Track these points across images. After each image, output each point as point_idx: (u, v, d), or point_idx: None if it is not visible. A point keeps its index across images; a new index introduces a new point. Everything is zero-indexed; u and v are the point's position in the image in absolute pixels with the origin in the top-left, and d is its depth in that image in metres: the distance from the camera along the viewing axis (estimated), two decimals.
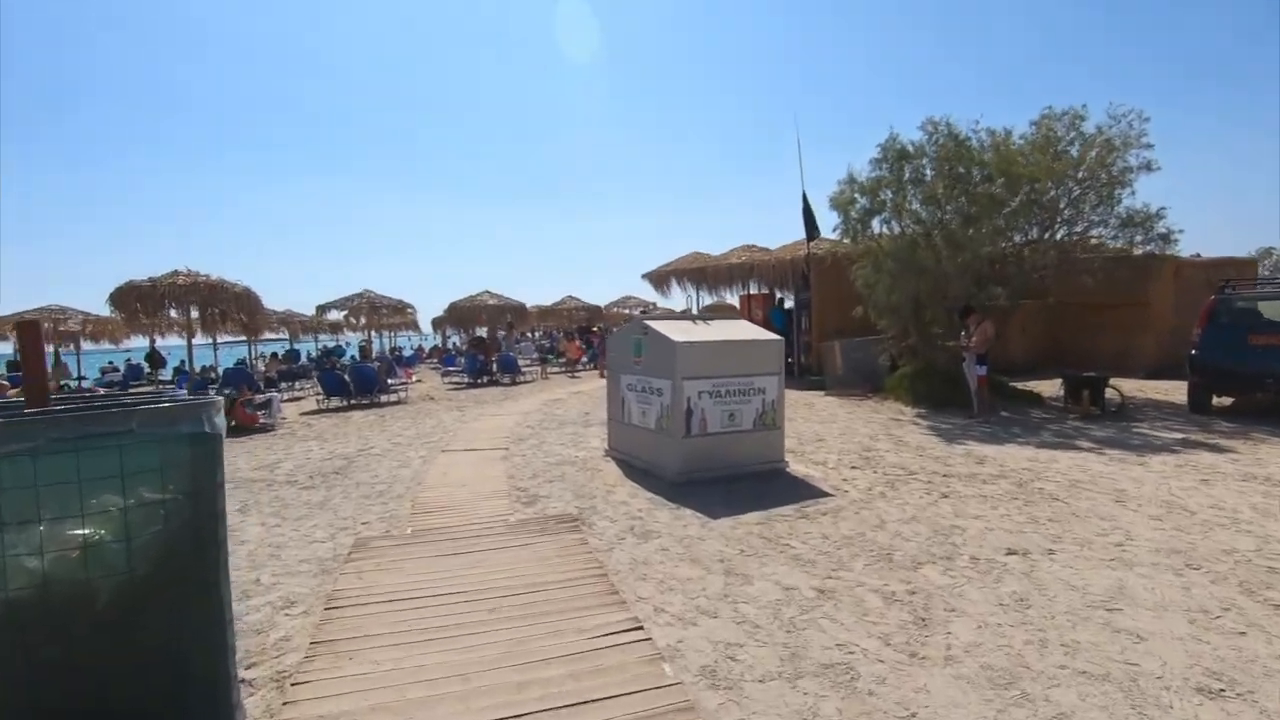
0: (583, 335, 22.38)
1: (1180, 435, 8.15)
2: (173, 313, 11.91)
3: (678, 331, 6.57)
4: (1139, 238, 10.84)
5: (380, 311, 17.44)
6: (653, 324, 6.80)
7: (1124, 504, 5.41)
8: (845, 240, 11.86)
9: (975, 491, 5.90)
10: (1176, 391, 11.52)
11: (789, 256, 15.40)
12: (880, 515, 5.28)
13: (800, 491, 6.06)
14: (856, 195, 10.91)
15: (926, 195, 10.47)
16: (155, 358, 18.81)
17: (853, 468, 6.95)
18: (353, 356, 34.80)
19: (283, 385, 19.12)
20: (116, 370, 24.60)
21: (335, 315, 18.15)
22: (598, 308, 23.62)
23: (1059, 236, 11.05)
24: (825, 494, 5.95)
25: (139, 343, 21.36)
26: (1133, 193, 10.60)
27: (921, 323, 10.98)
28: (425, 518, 5.59)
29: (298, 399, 17.33)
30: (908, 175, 10.68)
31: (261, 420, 11.78)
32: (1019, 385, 11.56)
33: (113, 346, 21.08)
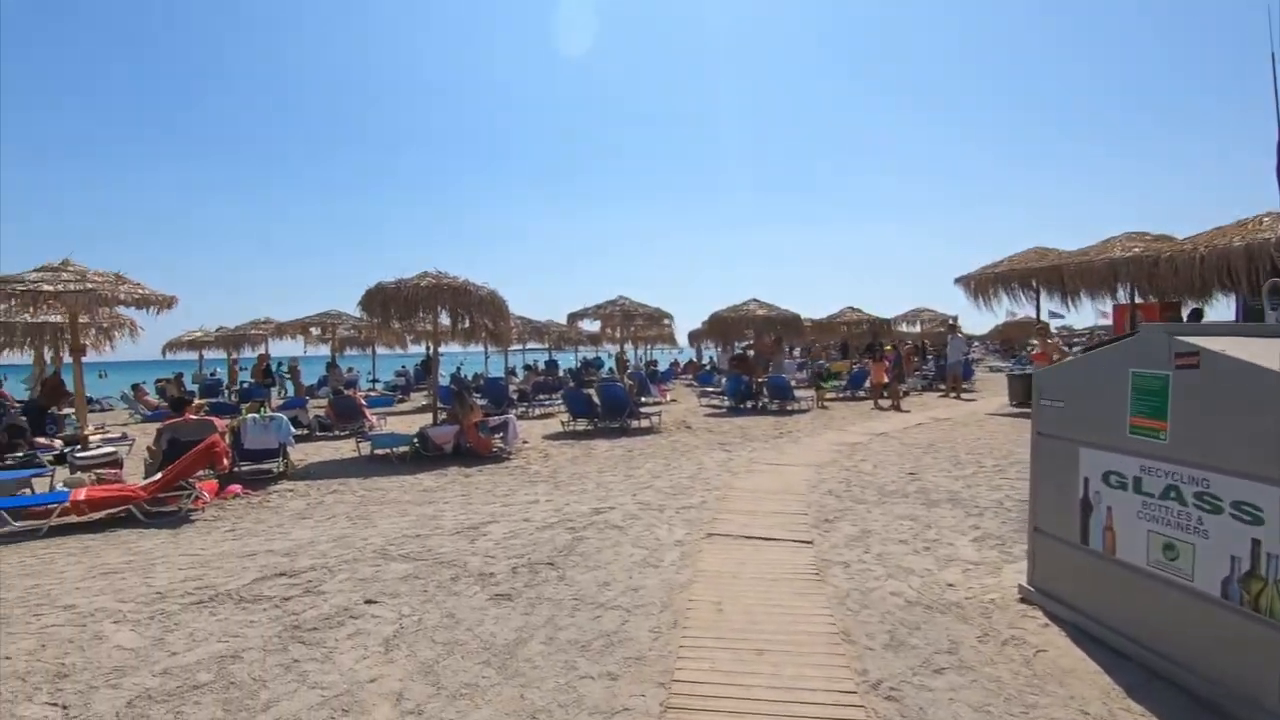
0: (871, 354, 18.16)
1: None
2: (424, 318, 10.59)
3: None
4: None
5: (635, 321, 15.34)
6: (1213, 344, 2.90)
7: None
8: None
9: None
10: None
11: (1239, 241, 9.78)
12: None
13: None
14: None
15: None
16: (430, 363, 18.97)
17: None
18: (610, 369, 34.58)
19: (540, 399, 18.20)
20: (406, 373, 26.48)
21: (588, 326, 16.54)
22: (884, 321, 19.19)
23: None
24: None
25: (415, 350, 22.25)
26: None
27: None
28: None
29: (549, 415, 15.99)
30: None
31: (496, 447, 10.00)
32: None
33: (390, 351, 22.17)
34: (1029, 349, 37.66)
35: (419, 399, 21.40)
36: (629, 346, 30.97)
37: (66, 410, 11.66)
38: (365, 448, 10.28)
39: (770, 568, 4.61)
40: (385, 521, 6.27)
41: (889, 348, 16.23)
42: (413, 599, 4.18)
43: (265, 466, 8.59)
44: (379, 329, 11.92)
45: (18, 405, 14.52)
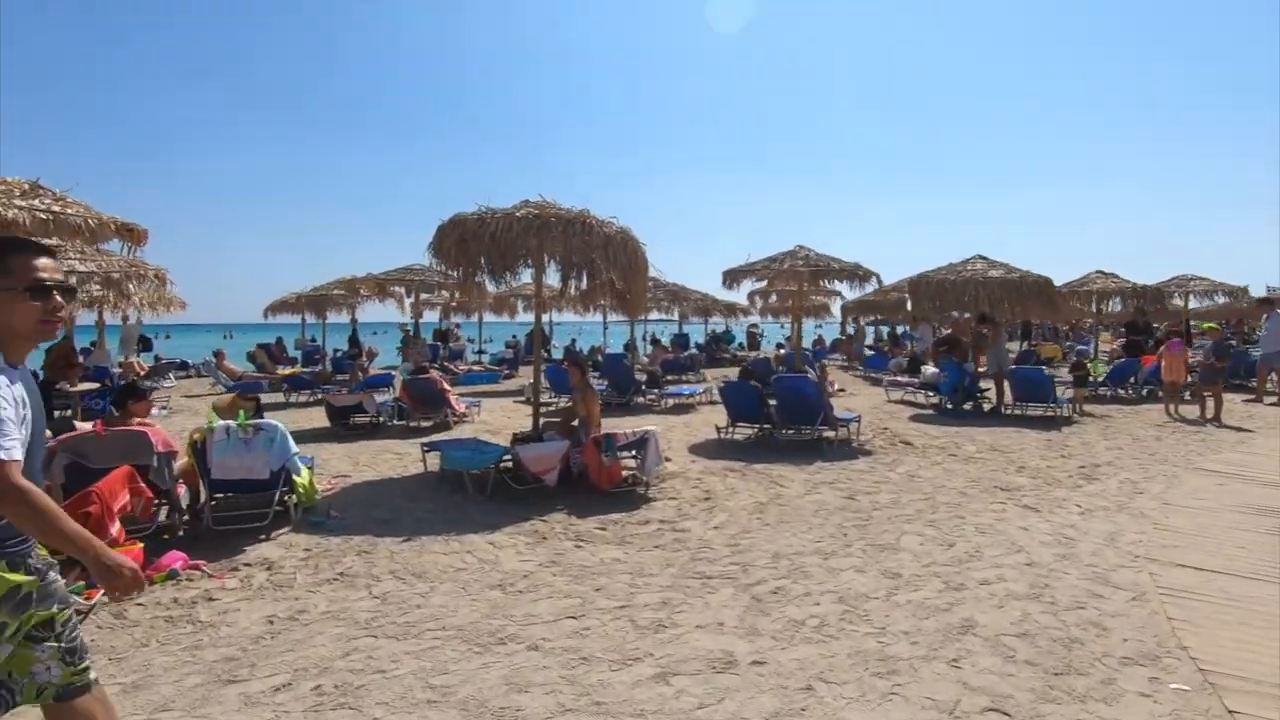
0: (1142, 336, 12.86)
1: None
2: (526, 275, 7.05)
3: None
4: None
5: (824, 279, 11.04)
6: None
7: None
8: None
9: None
10: None
11: None
12: None
13: None
14: None
15: None
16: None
17: None
18: (740, 344, 30.09)
19: (667, 380, 14.40)
20: (516, 344, 23.53)
21: (742, 294, 12.41)
22: (1156, 290, 13.56)
23: None
24: None
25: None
26: None
27: None
28: None
29: (684, 407, 12.17)
30: None
31: (627, 473, 6.22)
32: None
33: (499, 318, 19.14)
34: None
35: (530, 375, 18.27)
36: (769, 319, 26.74)
37: (83, 386, 9.10)
38: (434, 460, 6.90)
39: None
40: None
41: (1208, 327, 10.90)
42: None
43: (257, 505, 5.22)
44: (464, 286, 8.50)
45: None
